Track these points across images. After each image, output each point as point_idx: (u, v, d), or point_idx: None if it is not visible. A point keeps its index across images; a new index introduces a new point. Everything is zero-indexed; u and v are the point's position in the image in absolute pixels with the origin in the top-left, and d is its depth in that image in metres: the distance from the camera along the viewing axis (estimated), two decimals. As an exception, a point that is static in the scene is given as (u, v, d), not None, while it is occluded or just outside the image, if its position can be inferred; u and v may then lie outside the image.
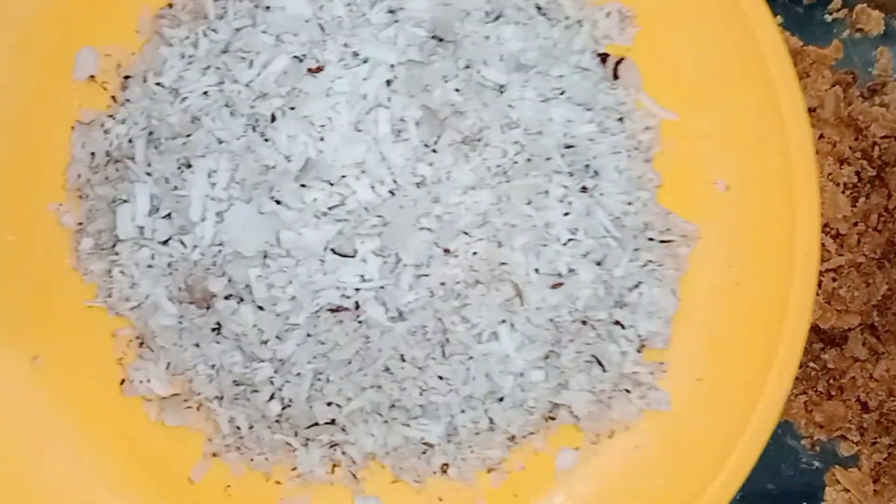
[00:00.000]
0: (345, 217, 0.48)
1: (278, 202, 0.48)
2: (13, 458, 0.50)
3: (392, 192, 0.48)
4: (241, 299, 0.50)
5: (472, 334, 0.50)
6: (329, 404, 0.51)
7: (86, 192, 0.53)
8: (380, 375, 0.50)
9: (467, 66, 0.50)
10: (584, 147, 0.51)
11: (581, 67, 0.53)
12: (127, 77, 0.53)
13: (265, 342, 0.50)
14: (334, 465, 0.54)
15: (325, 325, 0.49)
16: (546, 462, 0.54)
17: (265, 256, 0.49)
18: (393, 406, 0.52)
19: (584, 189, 0.50)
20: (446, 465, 0.53)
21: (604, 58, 0.54)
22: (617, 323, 0.52)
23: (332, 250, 0.48)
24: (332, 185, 0.48)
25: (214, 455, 0.53)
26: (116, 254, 0.51)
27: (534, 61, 0.51)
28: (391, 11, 0.50)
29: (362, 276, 0.49)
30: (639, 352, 0.53)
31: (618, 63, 0.54)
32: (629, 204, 0.51)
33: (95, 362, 0.53)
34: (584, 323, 0.51)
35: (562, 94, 0.51)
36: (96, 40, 0.52)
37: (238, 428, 0.52)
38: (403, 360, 0.50)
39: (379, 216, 0.48)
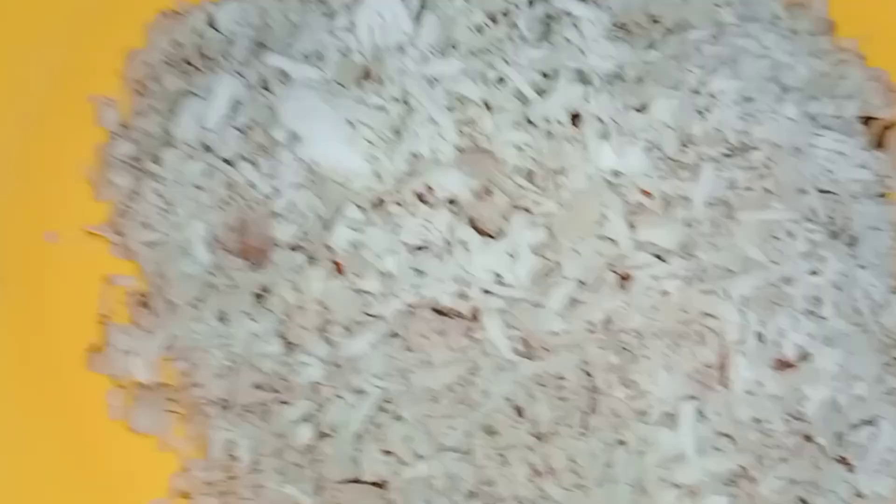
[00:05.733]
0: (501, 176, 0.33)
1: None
2: None
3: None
4: (313, 258, 0.33)
5: (636, 407, 0.33)
6: (387, 454, 0.33)
7: (148, 86, 0.39)
8: (476, 433, 0.32)
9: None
10: (844, 200, 0.36)
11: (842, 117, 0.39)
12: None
13: (325, 328, 0.33)
14: (353, 568, 0.35)
15: (419, 329, 0.33)
16: None
17: (379, 204, 0.33)
18: (475, 495, 0.33)
19: (836, 235, 0.34)
20: None
21: (865, 120, 0.40)
22: (842, 461, 0.34)
23: (471, 221, 0.33)
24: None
25: (184, 496, 0.35)
26: (157, 161, 0.36)
27: (799, 83, 0.38)
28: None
29: (499, 275, 0.33)
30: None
31: (886, 128, 0.40)
32: (893, 293, 0.35)
33: (67, 312, 0.37)
34: (807, 440, 0.33)
35: (825, 128, 0.37)
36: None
37: (233, 458, 0.34)
38: (520, 417, 0.33)
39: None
